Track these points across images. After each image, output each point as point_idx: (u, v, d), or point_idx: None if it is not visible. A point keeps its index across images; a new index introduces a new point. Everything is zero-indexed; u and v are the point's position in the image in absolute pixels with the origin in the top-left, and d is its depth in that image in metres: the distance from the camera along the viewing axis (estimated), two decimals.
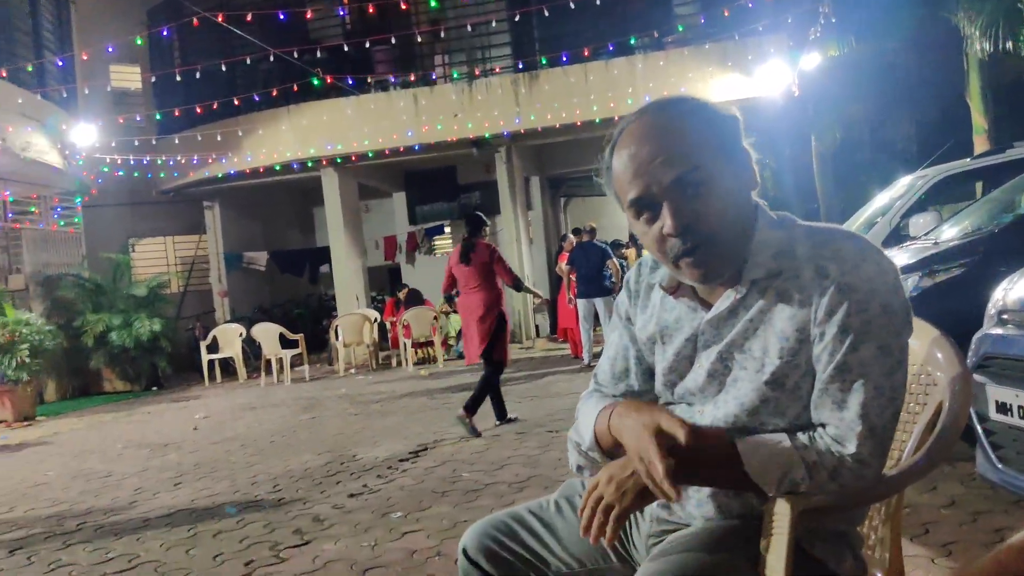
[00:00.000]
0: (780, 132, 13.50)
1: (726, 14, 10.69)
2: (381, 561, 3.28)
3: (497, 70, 12.38)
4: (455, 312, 12.08)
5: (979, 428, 2.76)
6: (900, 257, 4.42)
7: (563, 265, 9.95)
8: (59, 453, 7.07)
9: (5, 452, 7.43)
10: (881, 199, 6.98)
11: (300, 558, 3.43)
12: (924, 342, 1.44)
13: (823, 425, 1.23)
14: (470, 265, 6.23)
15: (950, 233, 4.78)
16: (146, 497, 4.92)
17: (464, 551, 1.53)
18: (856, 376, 1.20)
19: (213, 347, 11.75)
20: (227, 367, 12.03)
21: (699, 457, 1.25)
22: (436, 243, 16.10)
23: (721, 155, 1.24)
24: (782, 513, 1.17)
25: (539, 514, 1.53)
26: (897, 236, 5.87)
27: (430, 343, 11.29)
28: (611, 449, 1.35)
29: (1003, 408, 2.61)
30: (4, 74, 9.35)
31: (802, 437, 1.23)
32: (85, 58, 10.80)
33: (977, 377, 2.71)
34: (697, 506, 1.34)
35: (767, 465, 1.21)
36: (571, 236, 10.56)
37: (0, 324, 9.52)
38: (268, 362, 11.10)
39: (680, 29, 12.13)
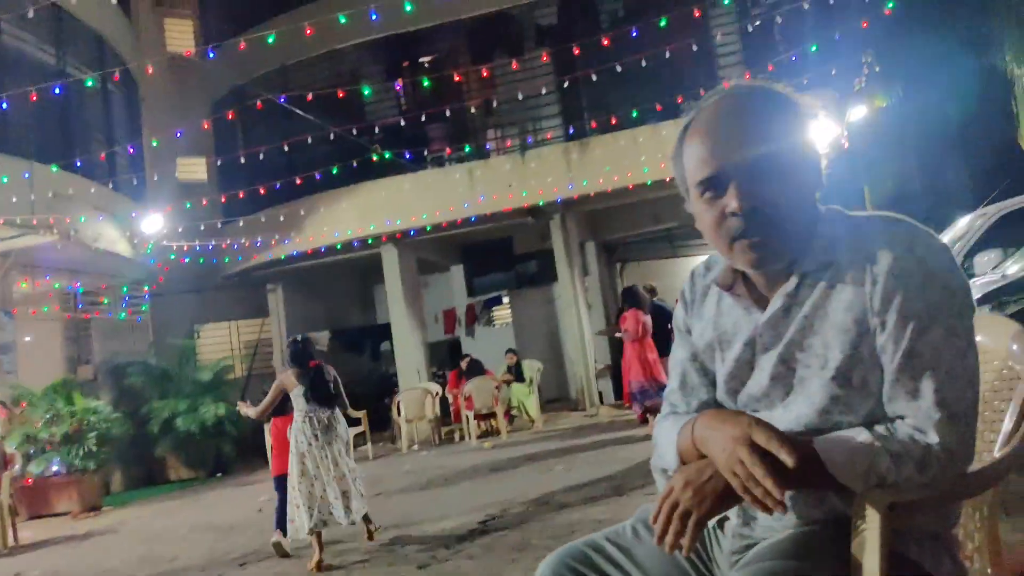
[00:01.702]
0: (831, 185, 13.37)
1: (771, 68, 10.78)
2: None
3: (549, 137, 12.63)
4: (516, 381, 12.05)
5: None
6: None
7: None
8: (125, 540, 7.15)
9: (72, 542, 7.48)
10: (943, 239, 6.81)
11: None
12: (1004, 338, 1.39)
13: (900, 416, 1.17)
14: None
15: (1017, 267, 4.65)
16: None
17: None
18: (927, 363, 1.15)
19: None
20: None
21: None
22: (495, 314, 16.20)
23: (796, 148, 1.23)
24: (871, 509, 1.12)
25: (616, 540, 1.48)
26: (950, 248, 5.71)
27: (492, 414, 11.20)
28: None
29: None
30: (79, 163, 9.85)
31: (880, 429, 1.17)
32: (155, 144, 11.34)
33: None
34: (777, 518, 1.27)
35: (850, 460, 1.16)
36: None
37: (69, 414, 9.74)
38: None
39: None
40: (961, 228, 6.44)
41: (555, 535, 4.61)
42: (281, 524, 5.23)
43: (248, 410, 5.78)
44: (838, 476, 1.16)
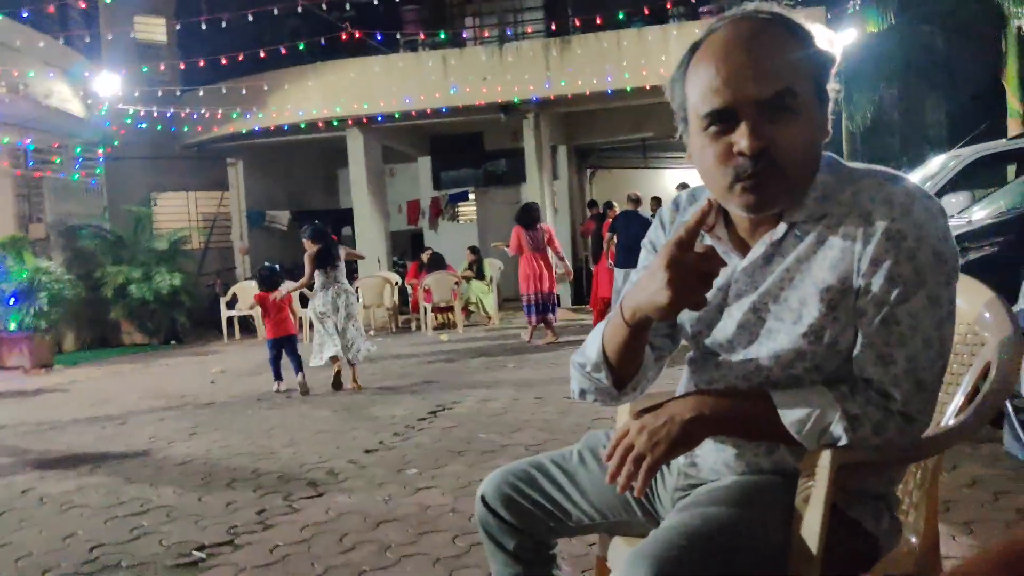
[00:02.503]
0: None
1: None
2: (395, 515, 3.26)
3: (529, 31, 12.18)
4: (476, 278, 12.06)
5: (1009, 406, 2.70)
6: None
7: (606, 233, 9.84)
8: (75, 400, 7.14)
9: (22, 397, 7.50)
10: (913, 178, 6.83)
11: (313, 509, 3.43)
12: (976, 302, 1.37)
13: (867, 380, 1.16)
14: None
15: (983, 213, 4.70)
16: (160, 446, 4.94)
17: (483, 498, 1.48)
18: (905, 329, 1.12)
19: (232, 304, 11.80)
20: (246, 324, 12.08)
21: (731, 409, 1.20)
22: (460, 209, 16.03)
23: (812, 88, 1.15)
24: (822, 467, 1.12)
25: (561, 464, 1.48)
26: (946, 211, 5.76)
27: (450, 308, 11.25)
28: (618, 359, 1.26)
29: None
30: (25, 14, 9.25)
31: (843, 389, 1.16)
32: (108, 1, 10.64)
33: None
34: (725, 464, 1.29)
35: (806, 417, 1.15)
36: (615, 204, 10.52)
37: (18, 272, 9.60)
38: None
39: None
40: (934, 167, 6.44)
41: (501, 432, 4.70)
42: (277, 375, 6.78)
43: (289, 286, 6.91)
44: (792, 431, 1.16)
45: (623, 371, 1.28)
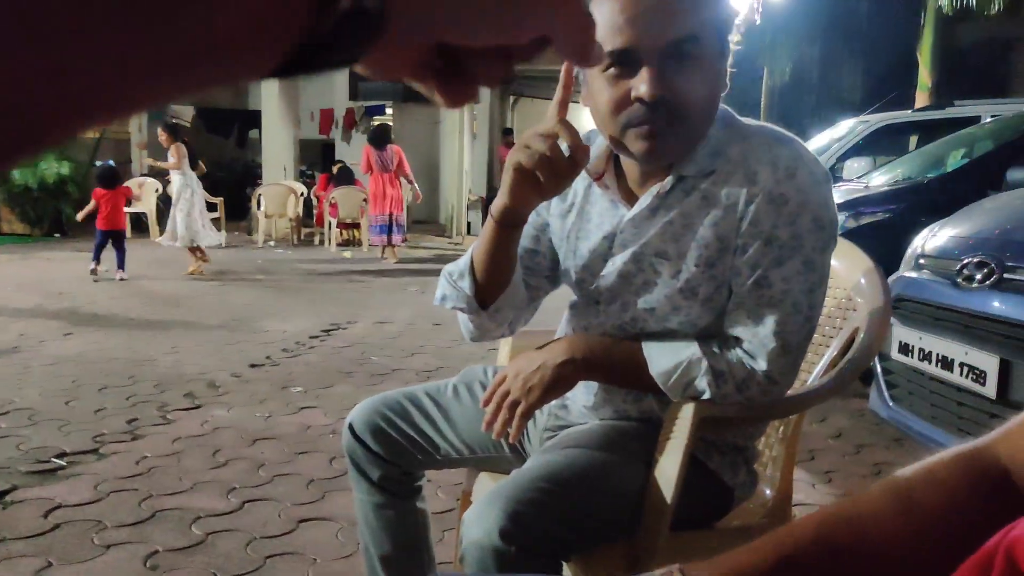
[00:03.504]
0: (735, 59, 13.38)
1: None
2: (272, 433, 3.19)
3: None
4: None
5: (878, 366, 2.83)
6: None
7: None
8: None
9: None
10: (821, 139, 7.04)
11: (188, 421, 3.31)
12: (855, 270, 1.40)
13: (736, 338, 1.16)
14: None
15: (880, 180, 4.86)
16: (31, 344, 4.67)
17: (351, 427, 1.45)
18: (776, 292, 1.13)
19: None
20: (139, 223, 11.51)
21: (603, 354, 1.19)
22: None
23: (716, 39, 1.11)
24: (683, 418, 1.13)
25: (435, 396, 1.45)
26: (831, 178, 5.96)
27: (356, 225, 11.00)
28: (483, 267, 1.21)
29: (904, 349, 2.66)
30: None
31: (712, 345, 1.16)
32: None
33: None
34: (594, 408, 1.29)
35: (673, 369, 1.15)
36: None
37: None
38: None
39: None
40: (842, 130, 6.65)
41: (394, 355, 4.66)
42: (97, 259, 7.42)
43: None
44: (659, 382, 1.16)
45: (487, 283, 1.22)
